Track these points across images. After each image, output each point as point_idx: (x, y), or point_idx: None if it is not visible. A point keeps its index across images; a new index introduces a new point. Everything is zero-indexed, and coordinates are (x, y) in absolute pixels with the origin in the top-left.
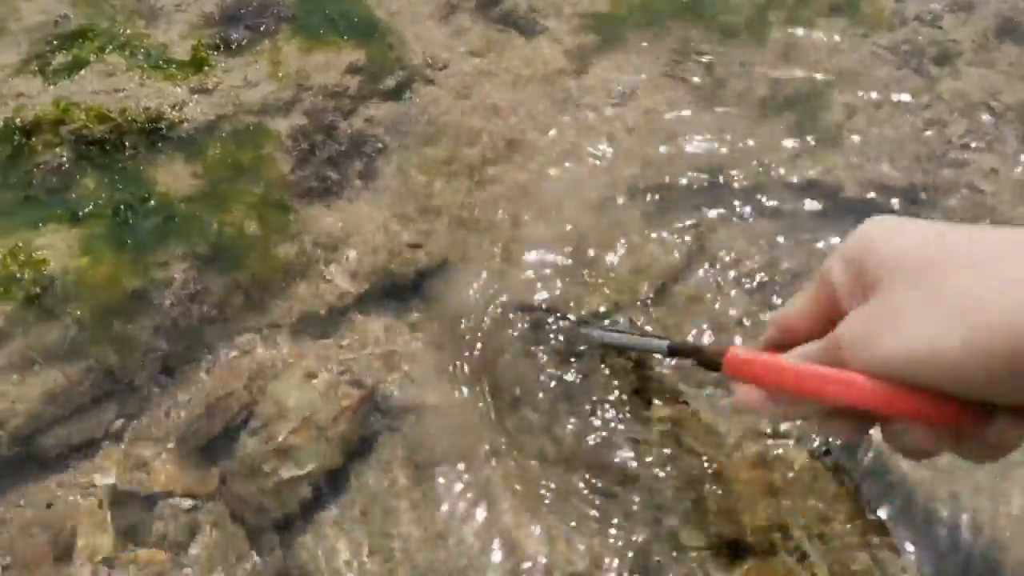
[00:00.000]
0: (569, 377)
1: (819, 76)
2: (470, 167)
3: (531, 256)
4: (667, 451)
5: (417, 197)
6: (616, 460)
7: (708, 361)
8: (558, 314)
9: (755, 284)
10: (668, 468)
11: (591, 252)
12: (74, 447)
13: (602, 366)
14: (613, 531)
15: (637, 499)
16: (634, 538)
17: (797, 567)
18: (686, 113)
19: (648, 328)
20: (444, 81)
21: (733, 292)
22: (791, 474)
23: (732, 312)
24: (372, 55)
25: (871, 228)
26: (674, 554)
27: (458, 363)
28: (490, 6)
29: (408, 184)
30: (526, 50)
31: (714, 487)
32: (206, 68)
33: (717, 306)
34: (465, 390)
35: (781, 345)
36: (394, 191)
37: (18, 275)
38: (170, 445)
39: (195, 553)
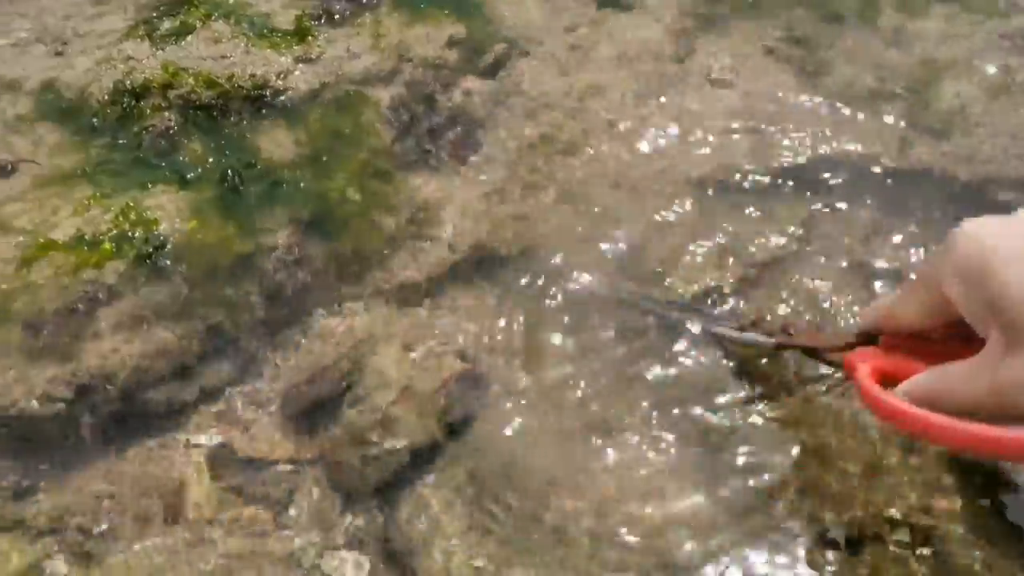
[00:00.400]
0: (671, 363)
1: (930, 63)
2: (567, 144)
3: (626, 235)
4: (786, 433)
5: (515, 172)
6: (728, 446)
7: (823, 358)
8: (655, 298)
9: (859, 276)
10: (783, 450)
11: (687, 234)
12: (179, 406)
13: (701, 357)
14: (723, 506)
15: (752, 483)
16: (746, 521)
17: (913, 561)
18: (790, 97)
19: (745, 314)
20: (542, 57)
21: (833, 283)
22: (912, 460)
23: (829, 303)
24: (472, 29)
25: (994, 256)
26: (789, 537)
27: (555, 343)
28: None
29: (506, 159)
30: (626, 28)
31: (829, 471)
32: (309, 38)
33: (817, 295)
34: (565, 369)
35: (879, 332)
36: (492, 165)
37: (130, 233)
38: (272, 408)
39: (294, 514)
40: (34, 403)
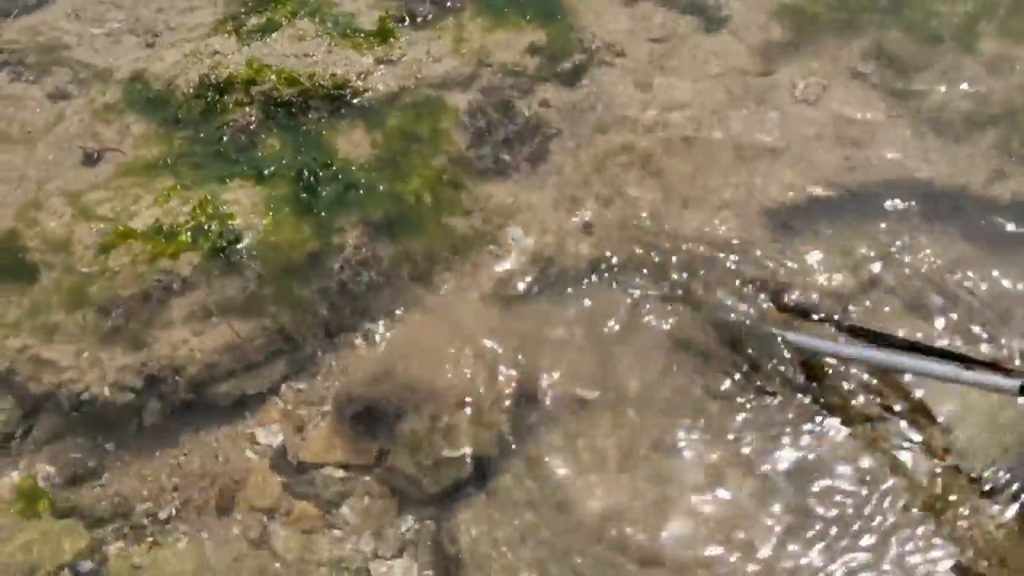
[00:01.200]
0: (748, 390)
1: None
2: (642, 157)
3: (698, 252)
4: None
5: (588, 184)
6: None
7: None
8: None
9: (938, 307)
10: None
11: (756, 256)
12: (242, 401)
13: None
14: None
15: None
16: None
17: None
18: (877, 120)
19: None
20: (622, 68)
21: (906, 316)
22: None
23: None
24: (553, 37)
25: None
26: None
27: (621, 356)
28: None
29: (580, 170)
30: (710, 42)
31: None
32: (391, 39)
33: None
34: (630, 385)
35: None
36: (566, 175)
37: (207, 226)
38: (326, 408)
39: (346, 515)
40: (106, 390)
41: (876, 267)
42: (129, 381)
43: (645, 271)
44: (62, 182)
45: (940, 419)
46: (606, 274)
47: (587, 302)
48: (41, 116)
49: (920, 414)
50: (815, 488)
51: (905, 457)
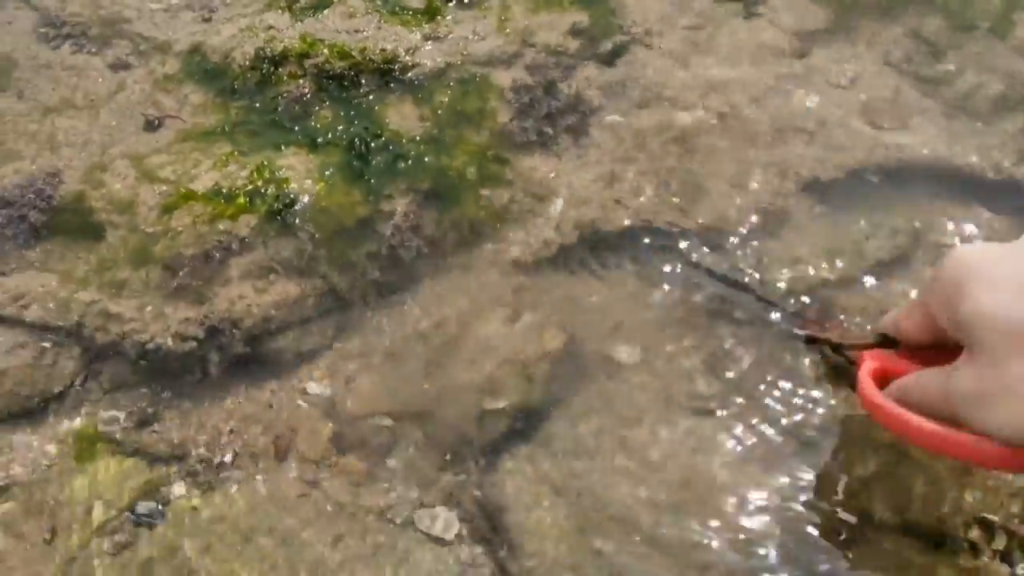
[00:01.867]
0: (761, 348)
1: None
2: (680, 135)
3: (731, 228)
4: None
5: (627, 159)
6: (812, 434)
7: (844, 354)
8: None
9: None
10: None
11: (796, 233)
12: (295, 355)
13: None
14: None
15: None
16: (826, 507)
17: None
18: (911, 104)
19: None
20: (661, 50)
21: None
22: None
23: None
24: (594, 18)
25: (969, 277)
26: (871, 532)
27: (660, 324)
28: None
29: (620, 145)
30: (747, 26)
31: (916, 471)
32: (438, 17)
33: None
34: (665, 349)
35: (892, 339)
36: (606, 151)
37: (263, 190)
38: (376, 362)
39: (393, 467)
40: (169, 340)
41: (908, 243)
42: (191, 332)
43: (683, 244)
44: (125, 147)
45: None
46: (644, 244)
47: (627, 269)
48: (103, 85)
49: None
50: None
51: None
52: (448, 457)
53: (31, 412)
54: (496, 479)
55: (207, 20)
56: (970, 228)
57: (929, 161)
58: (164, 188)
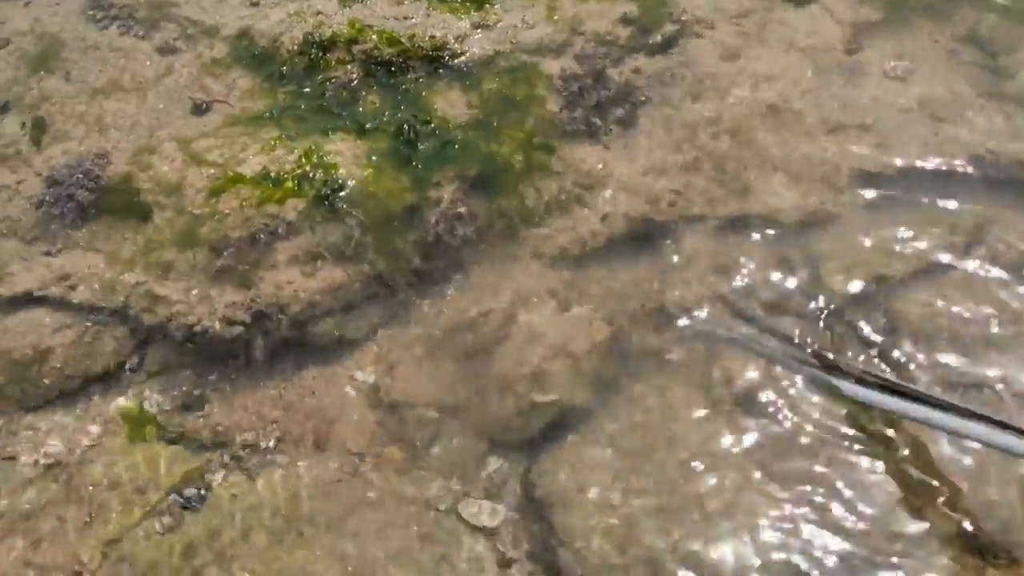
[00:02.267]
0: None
1: None
2: (731, 126)
3: (781, 221)
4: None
5: (677, 150)
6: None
7: None
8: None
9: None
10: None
11: (844, 228)
12: (339, 341)
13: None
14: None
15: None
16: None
17: None
18: (967, 98)
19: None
20: (712, 40)
21: (992, 298)
22: None
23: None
24: (645, 8)
25: None
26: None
27: (701, 318)
28: None
29: (670, 137)
30: (800, 18)
31: None
32: (487, 5)
33: (968, 313)
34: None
35: None
36: (656, 141)
37: (311, 175)
38: (419, 351)
39: (435, 456)
40: (216, 324)
41: (966, 239)
42: (238, 316)
43: (732, 238)
44: (173, 130)
45: None
46: (693, 235)
47: (672, 262)
48: (151, 68)
49: None
50: None
51: None
52: (494, 448)
53: (74, 393)
54: (544, 470)
55: (255, 4)
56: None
57: (988, 157)
58: (212, 171)
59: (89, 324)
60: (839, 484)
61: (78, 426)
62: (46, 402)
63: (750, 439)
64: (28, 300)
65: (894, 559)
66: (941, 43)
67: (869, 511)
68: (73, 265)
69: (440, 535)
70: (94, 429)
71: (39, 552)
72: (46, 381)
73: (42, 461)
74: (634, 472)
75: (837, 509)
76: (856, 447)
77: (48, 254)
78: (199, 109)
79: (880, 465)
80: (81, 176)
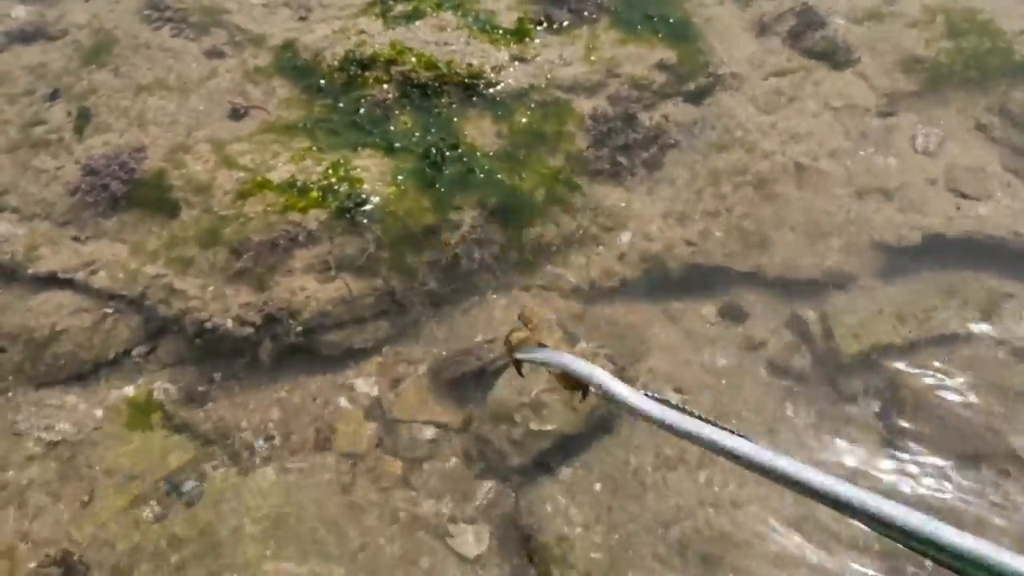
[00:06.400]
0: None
1: None
2: (755, 180)
3: (794, 283)
4: None
5: (701, 198)
6: None
7: None
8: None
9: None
10: None
11: (862, 293)
12: (346, 353)
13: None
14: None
15: None
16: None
17: None
18: (995, 174)
19: None
20: (746, 94)
21: (1002, 371)
22: None
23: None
24: (682, 57)
25: None
26: None
27: (710, 365)
28: (804, 33)
29: (694, 184)
30: (833, 81)
31: None
32: (527, 39)
33: (982, 383)
34: (716, 390)
35: None
36: (679, 188)
37: (336, 187)
38: (422, 371)
39: (427, 476)
40: (228, 322)
41: (977, 315)
42: (250, 317)
43: (742, 290)
44: (209, 131)
45: None
46: (707, 286)
47: (682, 309)
48: (196, 70)
49: None
50: None
51: None
52: (487, 473)
53: (84, 376)
54: (533, 500)
55: (303, 19)
56: None
57: (1009, 237)
58: (241, 175)
59: (108, 311)
60: None
61: (86, 408)
62: (57, 382)
63: (743, 492)
64: (52, 281)
65: None
66: (974, 117)
67: None
68: (99, 252)
69: (423, 555)
70: (100, 413)
71: (33, 526)
72: (60, 362)
73: (47, 438)
74: (623, 510)
75: None
76: None
77: (77, 239)
78: (236, 113)
79: None
80: (117, 168)
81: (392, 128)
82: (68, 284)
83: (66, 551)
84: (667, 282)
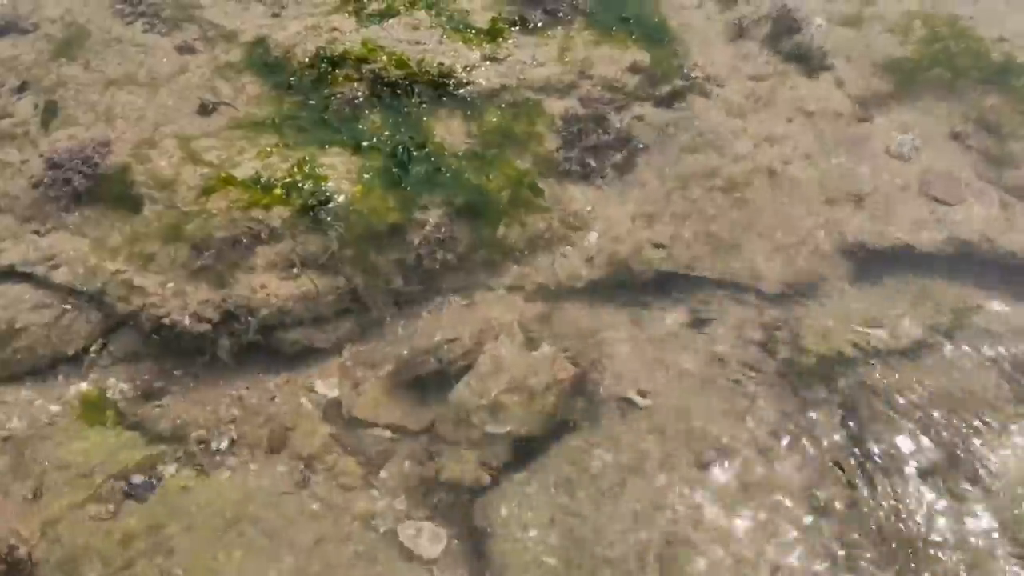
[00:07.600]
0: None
1: None
2: (726, 183)
3: (763, 285)
4: None
5: (669, 200)
6: None
7: None
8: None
9: (1004, 377)
10: None
11: (828, 299)
12: (306, 352)
13: None
14: None
15: None
16: None
17: None
18: (968, 181)
19: None
20: (719, 98)
21: (974, 386)
22: None
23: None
24: (656, 59)
25: None
26: None
27: (672, 369)
28: (781, 37)
29: (663, 186)
30: (808, 86)
31: None
32: (500, 40)
33: (951, 393)
34: (676, 395)
35: None
36: (648, 190)
37: (301, 184)
38: (384, 372)
39: (385, 477)
40: (185, 319)
41: (946, 324)
42: (208, 314)
43: (710, 295)
44: (177, 127)
45: None
46: (674, 289)
47: (649, 313)
48: (167, 65)
49: None
50: None
51: None
52: (443, 475)
53: (41, 371)
54: (488, 503)
55: (276, 15)
56: (1018, 319)
57: (981, 243)
58: (206, 171)
59: (67, 307)
60: None
61: (40, 404)
62: (13, 377)
63: (705, 504)
64: (12, 275)
65: None
66: (948, 123)
67: None
68: (60, 246)
69: (377, 556)
70: (55, 408)
71: None
72: (17, 356)
73: None
74: (583, 515)
75: None
76: None
77: (37, 233)
78: (206, 109)
79: None
80: (80, 162)
81: (361, 126)
82: (28, 279)
83: (12, 546)
84: (634, 285)
